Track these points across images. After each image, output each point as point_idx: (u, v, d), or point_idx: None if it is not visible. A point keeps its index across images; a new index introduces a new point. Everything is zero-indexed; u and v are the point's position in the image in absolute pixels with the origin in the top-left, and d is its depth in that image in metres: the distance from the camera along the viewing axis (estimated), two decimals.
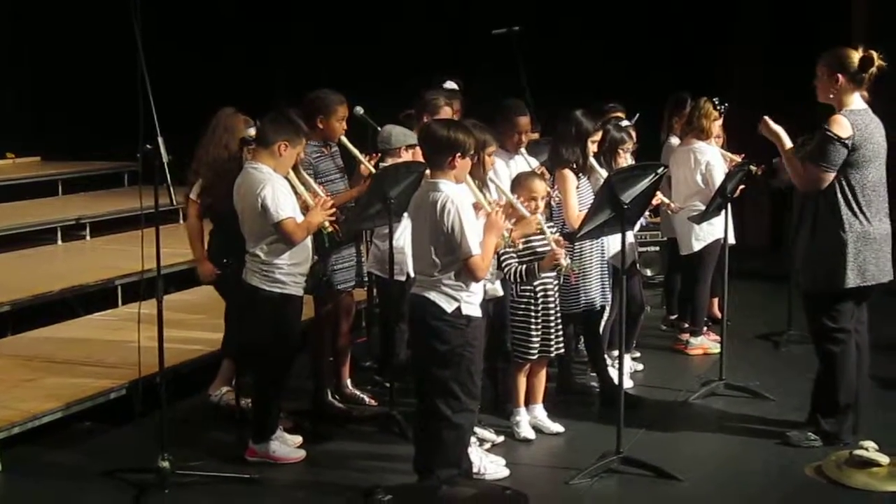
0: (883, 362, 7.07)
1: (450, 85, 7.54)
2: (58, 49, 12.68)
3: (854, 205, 5.67)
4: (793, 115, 6.20)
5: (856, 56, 5.67)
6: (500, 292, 5.87)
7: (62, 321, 7.60)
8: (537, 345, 5.97)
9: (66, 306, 7.75)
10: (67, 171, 11.68)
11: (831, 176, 5.64)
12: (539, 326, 5.96)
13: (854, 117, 5.64)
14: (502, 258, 5.74)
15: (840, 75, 5.67)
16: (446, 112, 6.65)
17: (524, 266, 5.81)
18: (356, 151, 6.30)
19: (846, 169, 5.64)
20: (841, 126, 5.61)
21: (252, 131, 5.77)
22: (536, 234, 5.71)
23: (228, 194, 5.65)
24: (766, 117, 5.90)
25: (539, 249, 5.84)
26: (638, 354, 7.54)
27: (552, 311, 6.01)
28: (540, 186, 5.85)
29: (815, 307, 5.89)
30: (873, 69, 5.66)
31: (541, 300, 5.95)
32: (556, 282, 6.02)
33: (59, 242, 9.54)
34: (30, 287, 7.66)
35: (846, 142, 5.59)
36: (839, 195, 5.66)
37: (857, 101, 5.71)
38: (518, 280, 5.85)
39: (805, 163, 5.71)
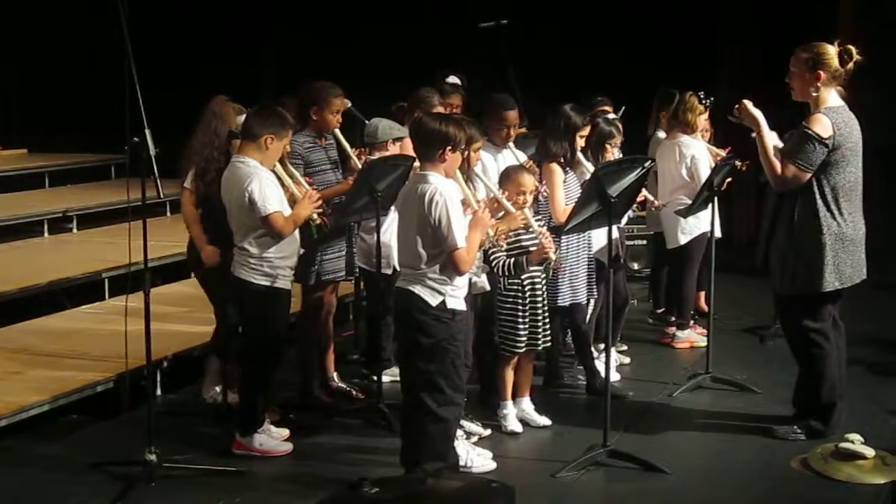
0: (867, 355, 7.12)
1: (452, 80, 7.55)
2: (45, 41, 12.61)
3: (833, 206, 5.58)
4: (785, 112, 6.12)
5: (833, 51, 5.56)
6: (488, 286, 5.88)
7: (49, 314, 7.58)
8: (524, 338, 5.98)
9: (52, 299, 7.73)
10: (54, 163, 11.63)
11: (808, 176, 5.54)
12: (526, 320, 5.97)
13: (834, 115, 5.54)
14: (490, 252, 5.75)
15: (820, 72, 5.57)
16: (439, 111, 6.63)
17: (512, 259, 5.81)
18: (347, 146, 6.30)
19: (826, 169, 5.55)
20: (821, 125, 5.51)
21: (241, 119, 5.75)
22: (522, 228, 5.71)
23: (217, 181, 5.65)
24: (745, 100, 5.76)
25: (525, 243, 5.85)
26: (625, 348, 7.56)
27: (539, 305, 6.01)
28: (528, 180, 5.84)
29: (793, 309, 5.84)
30: (851, 64, 5.57)
31: (528, 293, 5.96)
32: (543, 275, 6.03)
33: (46, 235, 9.50)
34: (16, 279, 7.63)
35: (826, 142, 5.49)
36: (818, 196, 5.57)
37: (834, 98, 5.62)
38: (506, 273, 5.85)
39: (783, 160, 5.60)
